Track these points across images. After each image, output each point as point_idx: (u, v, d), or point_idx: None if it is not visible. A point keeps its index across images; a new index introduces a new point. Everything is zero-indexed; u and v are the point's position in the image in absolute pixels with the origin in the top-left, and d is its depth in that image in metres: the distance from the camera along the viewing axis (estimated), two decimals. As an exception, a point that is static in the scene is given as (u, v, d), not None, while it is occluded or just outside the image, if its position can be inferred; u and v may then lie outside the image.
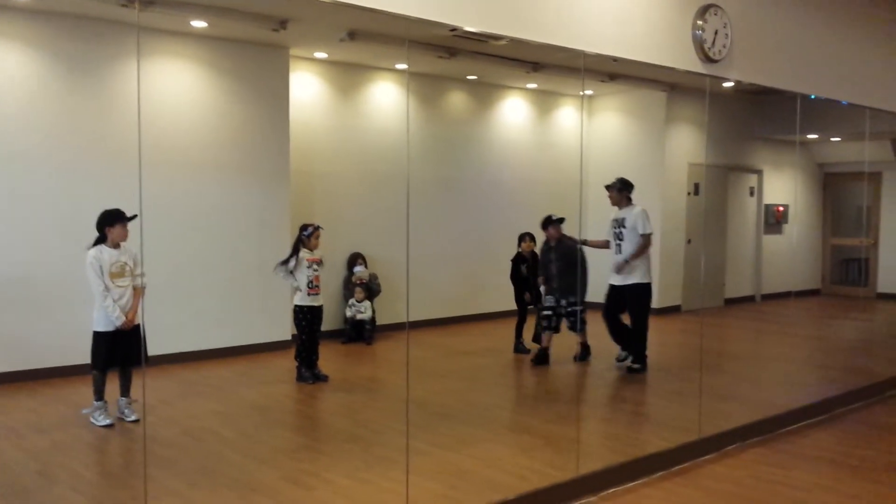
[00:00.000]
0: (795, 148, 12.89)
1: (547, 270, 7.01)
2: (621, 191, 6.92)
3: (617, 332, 6.93)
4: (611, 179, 10.56)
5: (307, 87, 7.99)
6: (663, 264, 10.32)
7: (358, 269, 8.09)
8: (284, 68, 7.32)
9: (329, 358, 6.50)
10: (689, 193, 10.63)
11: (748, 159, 11.87)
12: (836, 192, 13.91)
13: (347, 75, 8.28)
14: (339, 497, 3.75)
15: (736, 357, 8.14)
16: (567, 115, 10.61)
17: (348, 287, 8.04)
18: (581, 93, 10.32)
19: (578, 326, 6.86)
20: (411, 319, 8.67)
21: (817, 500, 4.00)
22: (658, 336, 9.24)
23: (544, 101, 10.24)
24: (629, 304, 6.84)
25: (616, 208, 7.08)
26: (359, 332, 7.83)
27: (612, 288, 6.89)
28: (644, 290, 6.84)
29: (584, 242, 6.78)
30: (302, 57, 7.82)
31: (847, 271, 14.02)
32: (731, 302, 11.50)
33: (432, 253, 8.83)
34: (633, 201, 7.13)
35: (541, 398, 5.86)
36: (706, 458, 4.63)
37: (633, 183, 6.87)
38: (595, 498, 3.97)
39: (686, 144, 10.66)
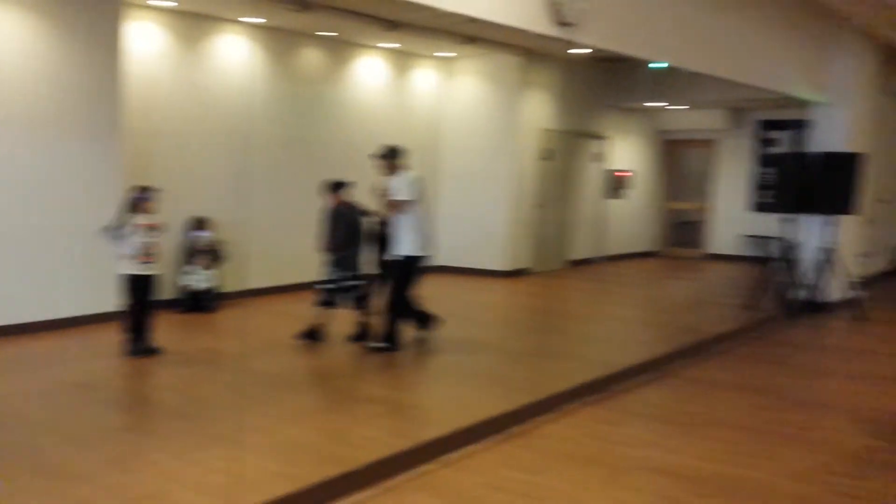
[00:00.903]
0: (640, 115, 13.46)
1: (329, 239, 6.16)
2: (386, 157, 6.03)
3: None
4: (466, 142, 10.70)
5: (149, 38, 7.41)
6: (514, 228, 10.53)
7: (200, 233, 7.68)
8: (115, 14, 6.72)
9: (165, 330, 6.14)
10: (541, 159, 10.85)
11: (596, 126, 12.26)
12: (676, 158, 14.72)
13: (193, 26, 7.76)
14: (164, 480, 3.53)
15: (577, 317, 8.45)
16: (426, 77, 10.51)
17: (188, 253, 7.63)
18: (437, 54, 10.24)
19: (357, 303, 6.20)
20: (258, 286, 8.43)
21: (642, 455, 4.19)
22: (506, 298, 9.46)
23: (403, 62, 10.07)
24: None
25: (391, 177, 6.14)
26: (197, 301, 7.47)
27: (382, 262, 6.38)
28: (399, 265, 6.04)
29: (366, 213, 6.23)
30: (143, 5, 7.22)
31: (683, 233, 14.94)
32: (575, 264, 11.94)
33: (282, 216, 8.54)
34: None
35: (388, 365, 5.81)
36: (544, 417, 4.75)
37: (402, 148, 6.10)
38: (433, 464, 3.97)
39: (540, 110, 10.85)
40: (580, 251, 12.14)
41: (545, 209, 11.05)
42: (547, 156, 10.92)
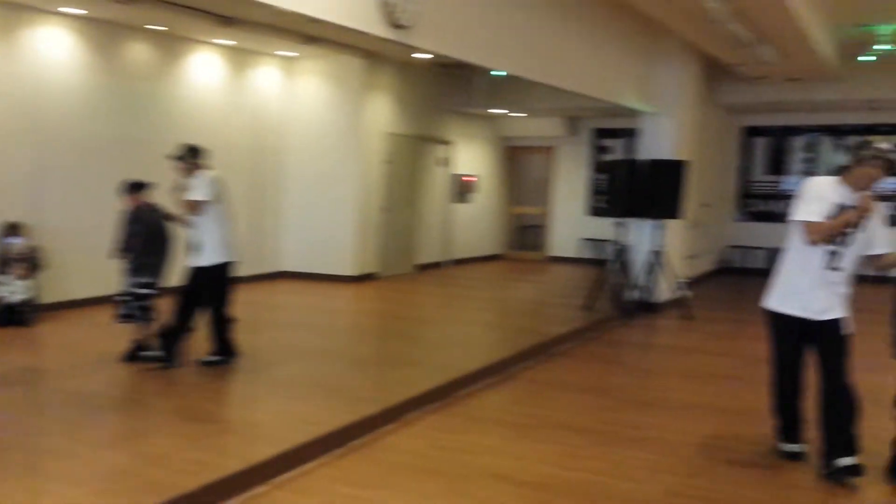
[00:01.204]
0: (483, 121, 13.68)
1: (125, 244, 5.65)
2: (184, 157, 5.56)
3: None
4: (310, 144, 10.39)
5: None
6: (359, 233, 10.36)
7: (13, 240, 6.96)
8: None
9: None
10: (385, 162, 10.74)
11: (440, 130, 12.32)
12: (518, 164, 15.10)
13: (5, 17, 7.01)
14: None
15: (423, 322, 8.41)
16: (267, 76, 10.12)
17: (1, 262, 6.89)
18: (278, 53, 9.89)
19: (139, 316, 5.58)
20: (80, 296, 7.74)
21: (484, 462, 4.15)
22: (352, 304, 9.27)
23: (241, 60, 9.63)
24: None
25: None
26: (12, 315, 6.75)
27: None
28: (204, 273, 5.57)
29: (169, 216, 5.73)
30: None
31: (526, 237, 15.36)
32: (423, 268, 11.94)
33: (105, 221, 7.87)
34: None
35: (220, 379, 5.46)
36: (386, 428, 4.61)
37: (201, 148, 5.65)
38: (266, 486, 3.73)
39: (383, 113, 10.74)
40: (428, 255, 12.15)
41: (391, 213, 10.95)
42: (391, 159, 10.83)
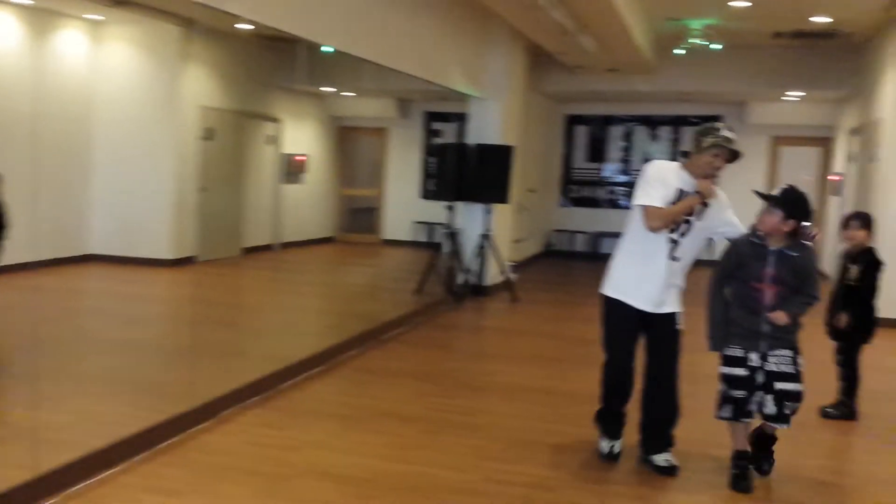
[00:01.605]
0: (314, 100, 13.26)
1: None
2: None
3: None
4: (121, 116, 9.56)
5: None
6: (176, 213, 9.69)
7: None
8: None
9: None
10: (202, 138, 10.09)
11: (267, 107, 11.79)
12: (350, 144, 14.81)
13: None
14: None
15: (248, 309, 8.01)
16: (70, 41, 9.16)
17: None
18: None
19: None
20: None
21: (307, 459, 3.93)
22: (168, 290, 8.67)
23: (42, 21, 8.63)
24: None
25: None
26: None
27: None
28: None
29: None
30: None
31: (359, 220, 15.13)
32: (249, 251, 11.39)
33: None
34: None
35: (10, 376, 4.86)
36: (200, 427, 4.26)
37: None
38: (57, 498, 3.30)
39: (203, 86, 10.09)
40: (255, 238, 11.60)
41: (211, 193, 10.33)
42: (208, 135, 10.20)
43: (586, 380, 5.47)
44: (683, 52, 10.15)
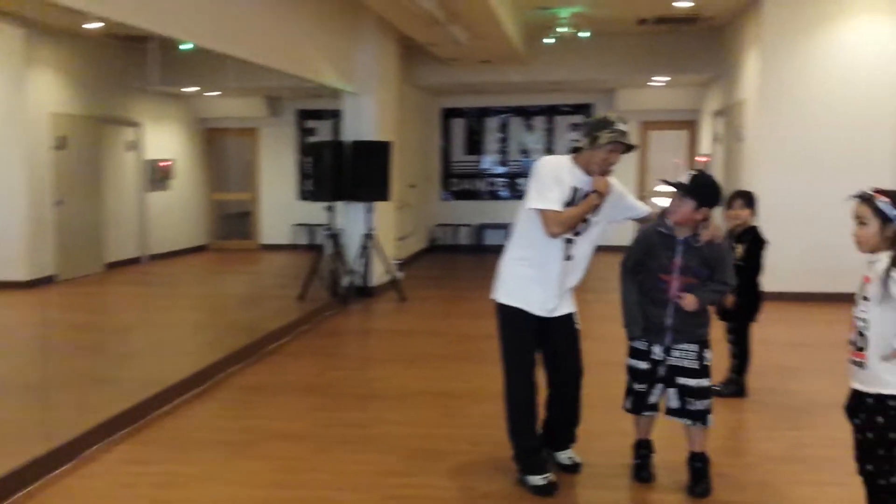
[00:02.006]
0: (176, 101, 12.52)
1: None
2: None
3: None
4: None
5: None
6: (30, 230, 8.87)
7: None
8: None
9: None
10: (55, 147, 9.29)
11: (126, 111, 11.02)
12: (219, 147, 14.11)
13: None
14: None
15: (116, 329, 7.39)
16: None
17: None
18: None
19: None
20: None
21: (185, 496, 3.55)
22: (24, 314, 7.89)
23: None
24: None
25: None
26: None
27: None
28: None
29: None
30: None
31: (234, 225, 14.47)
32: (114, 266, 10.62)
33: None
34: None
35: None
36: (61, 470, 3.79)
37: None
38: None
39: (52, 92, 9.28)
40: (120, 251, 10.84)
41: (69, 205, 9.54)
42: (61, 144, 9.41)
43: (481, 377, 5.35)
44: (553, 41, 10.22)
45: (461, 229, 14.00)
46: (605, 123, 3.42)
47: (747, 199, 4.77)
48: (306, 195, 8.54)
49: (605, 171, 3.47)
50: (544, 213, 3.39)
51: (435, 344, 6.73)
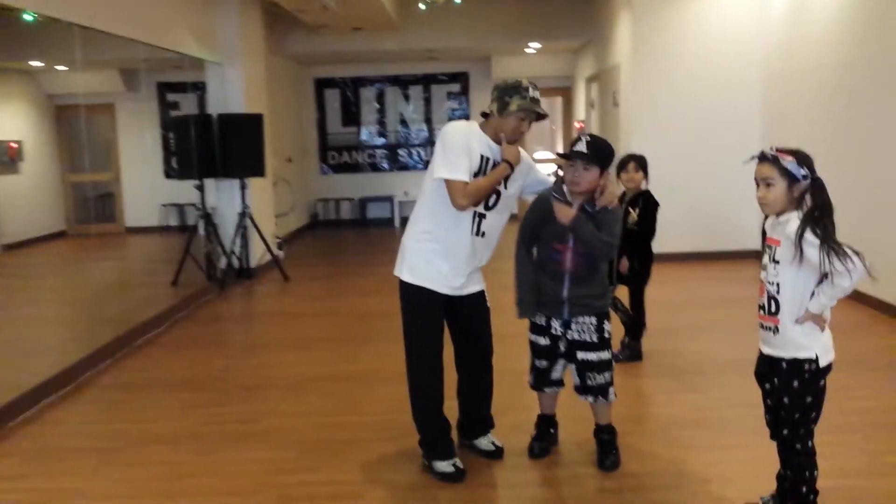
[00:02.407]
0: (20, 77, 11.39)
1: None
2: None
3: None
4: None
5: None
6: None
7: None
8: None
9: None
10: None
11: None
12: (71, 125, 13.01)
13: None
14: None
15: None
16: None
17: None
18: None
19: None
20: None
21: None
22: None
23: None
24: None
25: None
26: None
27: None
28: None
29: None
30: None
31: (94, 208, 13.44)
32: (-43, 260, 9.61)
33: None
34: None
35: None
36: None
37: None
38: None
39: None
40: (-39, 244, 9.80)
41: None
42: None
43: (379, 358, 5.13)
44: (424, 7, 9.97)
45: (343, 203, 13.63)
46: (516, 89, 3.19)
47: (640, 162, 4.75)
48: (172, 173, 7.94)
49: (514, 140, 3.26)
50: (451, 184, 3.12)
51: (325, 325, 6.43)
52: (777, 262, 2.58)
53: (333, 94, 13.52)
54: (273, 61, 10.67)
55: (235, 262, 8.30)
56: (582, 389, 3.39)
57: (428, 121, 13.53)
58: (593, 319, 3.34)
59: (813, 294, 2.54)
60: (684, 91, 8.48)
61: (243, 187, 8.11)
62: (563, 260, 3.30)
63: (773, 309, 2.61)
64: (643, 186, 4.76)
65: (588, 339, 3.33)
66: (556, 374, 3.47)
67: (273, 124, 10.07)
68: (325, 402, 4.46)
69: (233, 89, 8.41)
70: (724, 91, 8.44)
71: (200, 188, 7.98)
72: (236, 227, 8.16)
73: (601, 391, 3.37)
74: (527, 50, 12.26)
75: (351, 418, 4.16)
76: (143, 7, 6.75)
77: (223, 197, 8.42)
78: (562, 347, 3.40)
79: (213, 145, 7.94)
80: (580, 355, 3.35)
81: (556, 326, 3.37)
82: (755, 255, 8.49)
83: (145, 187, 12.75)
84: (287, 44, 11.11)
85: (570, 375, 3.45)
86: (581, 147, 3.20)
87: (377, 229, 12.81)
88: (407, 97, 13.51)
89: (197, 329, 6.49)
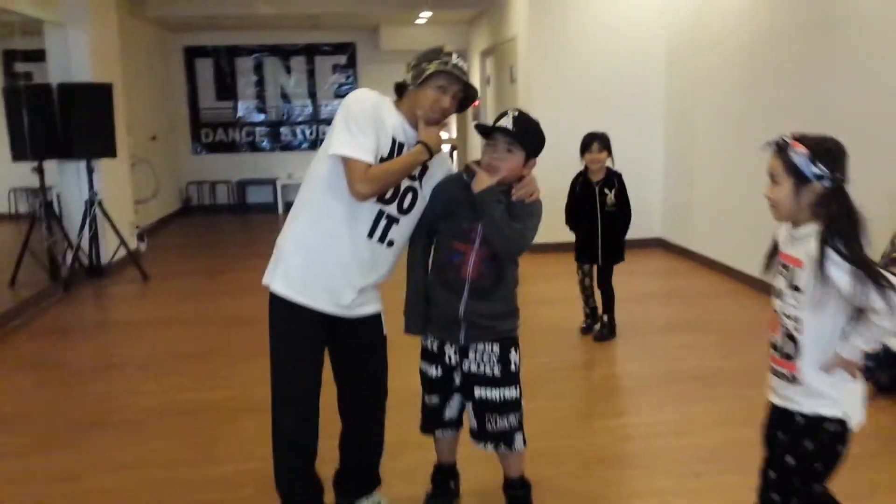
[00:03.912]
0: None
1: None
2: None
3: None
4: None
5: None
6: None
7: None
8: None
9: None
10: None
11: None
12: None
13: None
14: None
15: None
16: None
17: None
18: None
19: None
20: None
21: None
22: None
23: None
24: None
25: None
26: None
27: None
28: None
29: None
30: None
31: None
32: None
33: None
34: None
35: None
36: None
37: None
38: None
39: None
40: None
41: None
42: None
43: (245, 377, 4.33)
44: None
45: (219, 187, 12.46)
46: (436, 52, 2.50)
47: (603, 141, 4.68)
48: (17, 154, 6.78)
49: (435, 120, 2.50)
50: (351, 164, 2.36)
51: (186, 336, 5.46)
52: (798, 290, 1.92)
53: (206, 64, 12.28)
54: (132, 25, 9.42)
55: (84, 259, 7.17)
56: (480, 435, 2.66)
57: (312, 95, 12.52)
58: (495, 347, 2.59)
59: (843, 332, 1.91)
60: (585, 63, 7.89)
61: (91, 170, 6.97)
62: (465, 263, 2.54)
63: (789, 351, 1.97)
64: (608, 165, 4.73)
65: (488, 372, 2.60)
66: (450, 413, 2.73)
67: (133, 97, 8.88)
68: (171, 446, 3.56)
69: (78, 55, 7.20)
70: (627, 62, 7.91)
71: (39, 171, 6.81)
72: (83, 216, 7.02)
73: (504, 438, 2.64)
74: (417, 21, 11.44)
75: (202, 470, 3.29)
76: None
77: (68, 181, 7.27)
78: (457, 380, 2.66)
79: (53, 121, 6.77)
80: (478, 392, 2.61)
81: (451, 353, 2.63)
82: (659, 245, 8.06)
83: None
84: (147, 5, 9.83)
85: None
86: (506, 123, 2.49)
87: (258, 215, 11.72)
88: (288, 69, 12.44)
89: (30, 344, 5.41)
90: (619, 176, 4.75)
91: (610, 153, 4.72)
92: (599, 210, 4.71)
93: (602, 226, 4.72)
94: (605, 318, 4.93)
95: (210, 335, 5.47)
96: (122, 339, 5.56)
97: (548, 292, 6.09)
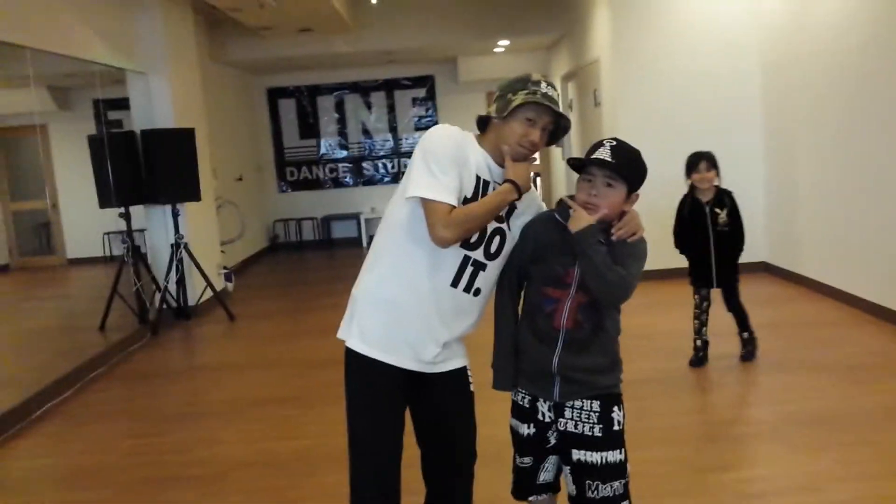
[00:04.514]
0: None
1: None
2: None
3: None
4: None
5: None
6: None
7: None
8: None
9: None
10: None
11: None
12: (9, 149, 11.87)
13: None
14: None
15: None
16: None
17: None
18: None
19: None
20: None
21: None
22: None
23: None
24: None
25: None
26: None
27: None
28: None
29: None
30: None
31: (37, 239, 12.30)
32: None
33: None
34: None
35: None
36: None
37: None
38: None
39: None
40: None
41: None
42: None
43: (323, 425, 4.11)
44: (376, 2, 9.01)
45: (305, 223, 12.56)
46: (523, 82, 2.21)
47: (710, 159, 4.55)
48: (103, 201, 6.99)
49: (521, 155, 2.23)
50: (432, 207, 2.10)
51: (268, 381, 5.32)
52: None
53: (288, 104, 12.46)
54: (214, 70, 9.62)
55: (172, 301, 7.22)
56: (579, 502, 2.31)
57: (393, 129, 12.51)
58: (595, 404, 2.26)
59: None
60: (674, 84, 7.52)
61: (176, 214, 7.04)
62: (559, 311, 2.23)
63: None
64: (716, 184, 4.61)
65: (587, 433, 2.26)
66: (545, 477, 2.39)
67: (219, 140, 9.01)
68: (258, 498, 3.39)
69: (160, 102, 7.35)
70: (719, 82, 7.49)
71: (126, 216, 6.93)
72: (170, 259, 7.08)
73: None
74: (495, 49, 11.28)
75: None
76: (47, 12, 5.71)
77: (154, 225, 7.40)
78: (552, 440, 2.34)
79: (137, 167, 6.88)
80: (576, 455, 2.27)
81: (544, 410, 2.32)
82: (764, 269, 7.53)
83: (86, 215, 11.61)
84: (229, 49, 10.03)
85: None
86: (604, 154, 2.17)
87: (343, 250, 11.74)
88: (369, 105, 12.48)
89: (115, 391, 5.40)
90: (729, 194, 4.63)
91: (718, 171, 4.59)
92: (711, 230, 4.60)
93: (715, 246, 4.63)
94: (745, 335, 4.83)
95: (288, 379, 5.32)
96: (204, 385, 5.48)
97: (651, 325, 5.71)
